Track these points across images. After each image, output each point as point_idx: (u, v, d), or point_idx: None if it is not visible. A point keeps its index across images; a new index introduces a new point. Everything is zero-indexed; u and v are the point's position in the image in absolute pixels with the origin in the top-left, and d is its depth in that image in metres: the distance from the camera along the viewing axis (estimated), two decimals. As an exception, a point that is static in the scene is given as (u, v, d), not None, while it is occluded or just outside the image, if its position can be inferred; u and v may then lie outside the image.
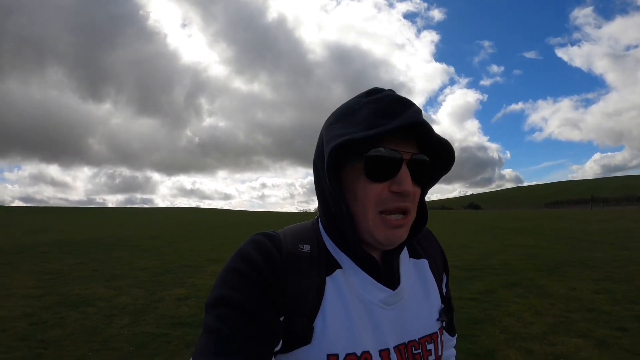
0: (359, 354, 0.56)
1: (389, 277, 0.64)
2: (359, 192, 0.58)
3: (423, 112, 0.60)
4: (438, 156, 0.63)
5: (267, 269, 0.56)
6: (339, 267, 0.61)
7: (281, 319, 0.56)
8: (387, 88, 0.64)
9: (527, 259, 8.57)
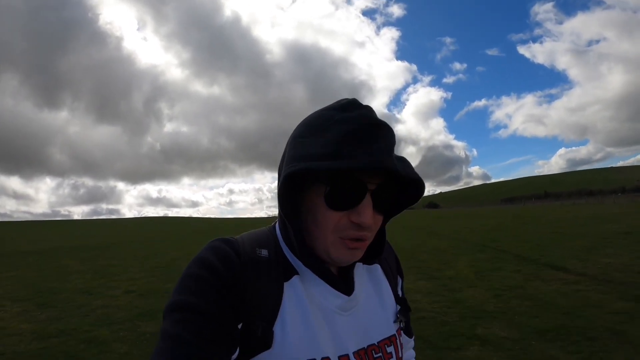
0: (318, 359, 0.57)
1: (344, 283, 0.64)
2: (318, 217, 0.58)
3: (394, 131, 0.60)
4: (407, 185, 0.62)
5: (225, 274, 0.56)
6: (296, 273, 0.62)
7: (239, 325, 0.55)
8: (352, 98, 0.63)
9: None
